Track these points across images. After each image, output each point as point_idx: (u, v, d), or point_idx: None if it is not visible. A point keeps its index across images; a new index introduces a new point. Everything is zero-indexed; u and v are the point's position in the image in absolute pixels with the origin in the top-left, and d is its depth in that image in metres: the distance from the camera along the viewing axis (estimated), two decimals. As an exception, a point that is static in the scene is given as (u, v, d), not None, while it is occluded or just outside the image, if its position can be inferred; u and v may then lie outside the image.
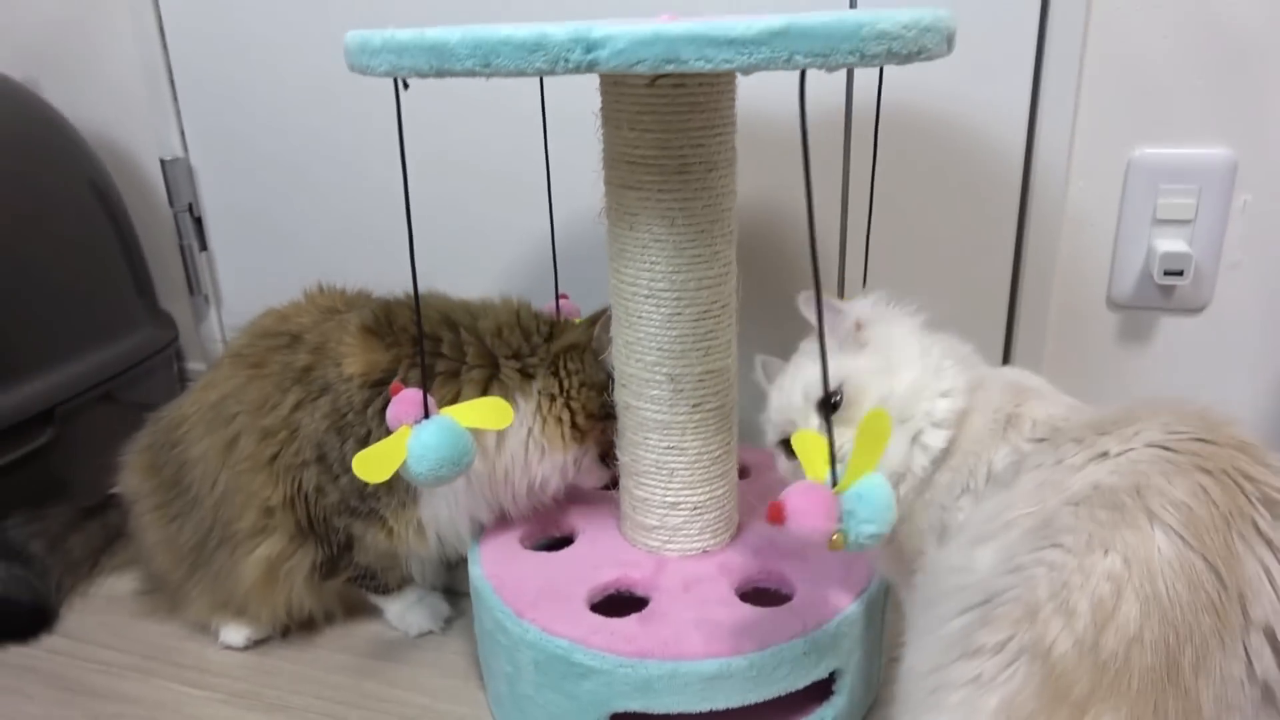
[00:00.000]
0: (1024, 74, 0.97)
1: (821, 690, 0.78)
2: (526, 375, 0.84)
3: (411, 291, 0.73)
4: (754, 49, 0.53)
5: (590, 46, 0.56)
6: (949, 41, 0.59)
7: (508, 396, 0.81)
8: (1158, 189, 0.96)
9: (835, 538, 0.54)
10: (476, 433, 0.74)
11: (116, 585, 1.03)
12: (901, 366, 0.67)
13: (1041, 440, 0.62)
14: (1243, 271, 0.98)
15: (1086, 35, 0.94)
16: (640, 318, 0.77)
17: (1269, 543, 0.51)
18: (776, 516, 0.54)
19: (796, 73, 0.53)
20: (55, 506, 1.06)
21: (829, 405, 0.65)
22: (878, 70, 0.82)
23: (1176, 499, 0.51)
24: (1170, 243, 0.97)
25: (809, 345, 0.73)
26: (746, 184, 1.09)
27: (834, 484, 0.56)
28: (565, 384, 0.84)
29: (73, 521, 1.05)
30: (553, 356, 0.84)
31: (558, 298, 0.97)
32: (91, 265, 1.22)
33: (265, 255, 1.32)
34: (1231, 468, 0.53)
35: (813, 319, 0.71)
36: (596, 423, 0.85)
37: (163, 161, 1.28)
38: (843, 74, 1.01)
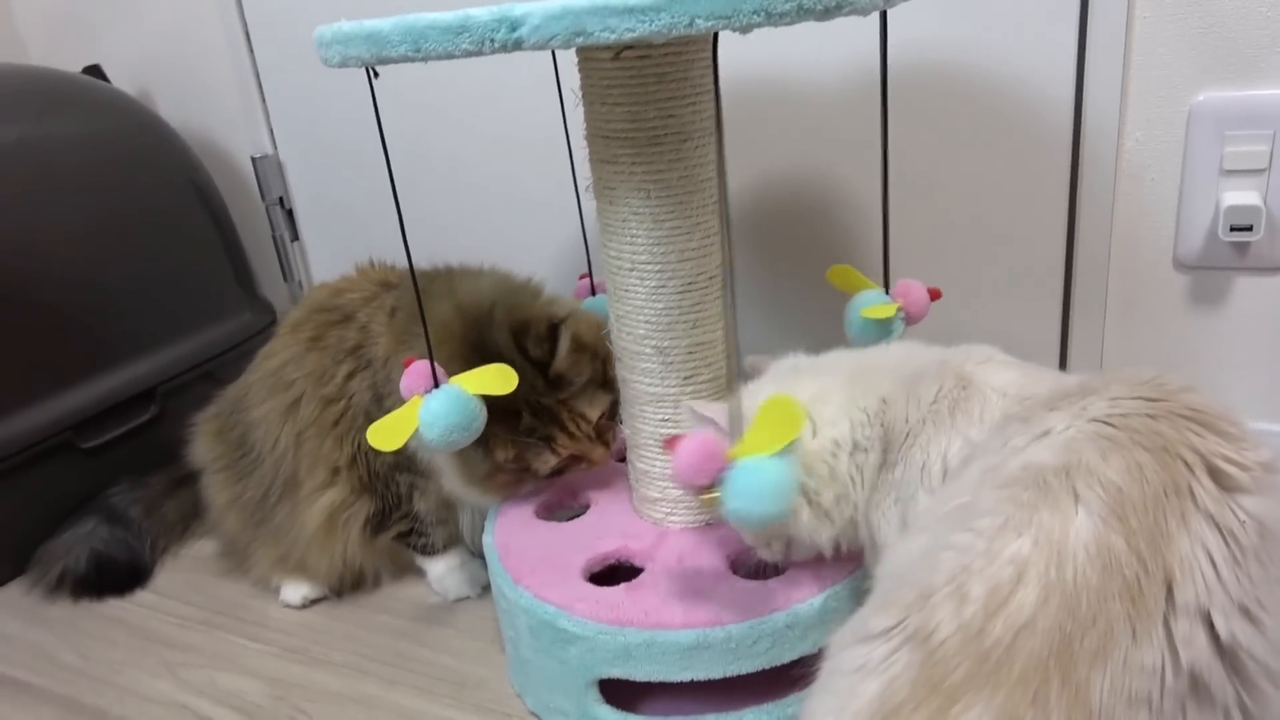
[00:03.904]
0: (1069, 16, 0.90)
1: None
2: None
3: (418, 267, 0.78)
4: (654, 16, 0.53)
5: (514, 25, 0.57)
6: (886, -9, 0.56)
7: None
8: (1224, 136, 0.87)
9: (710, 496, 0.55)
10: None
11: (204, 547, 1.13)
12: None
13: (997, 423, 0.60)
14: (1331, 224, 0.88)
15: (1136, -29, 0.86)
16: (626, 291, 0.78)
17: (1210, 519, 0.46)
18: (668, 448, 0.58)
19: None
20: (156, 475, 1.18)
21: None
22: (880, 24, 0.79)
23: (1107, 478, 0.48)
24: (1239, 195, 0.87)
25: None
26: (773, 156, 1.08)
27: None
28: None
29: (168, 489, 1.16)
30: None
31: (592, 280, 1.00)
32: (194, 257, 1.34)
33: (351, 242, 1.38)
34: (1176, 440, 0.48)
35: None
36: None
37: (253, 159, 1.38)
38: (875, 33, 0.96)
